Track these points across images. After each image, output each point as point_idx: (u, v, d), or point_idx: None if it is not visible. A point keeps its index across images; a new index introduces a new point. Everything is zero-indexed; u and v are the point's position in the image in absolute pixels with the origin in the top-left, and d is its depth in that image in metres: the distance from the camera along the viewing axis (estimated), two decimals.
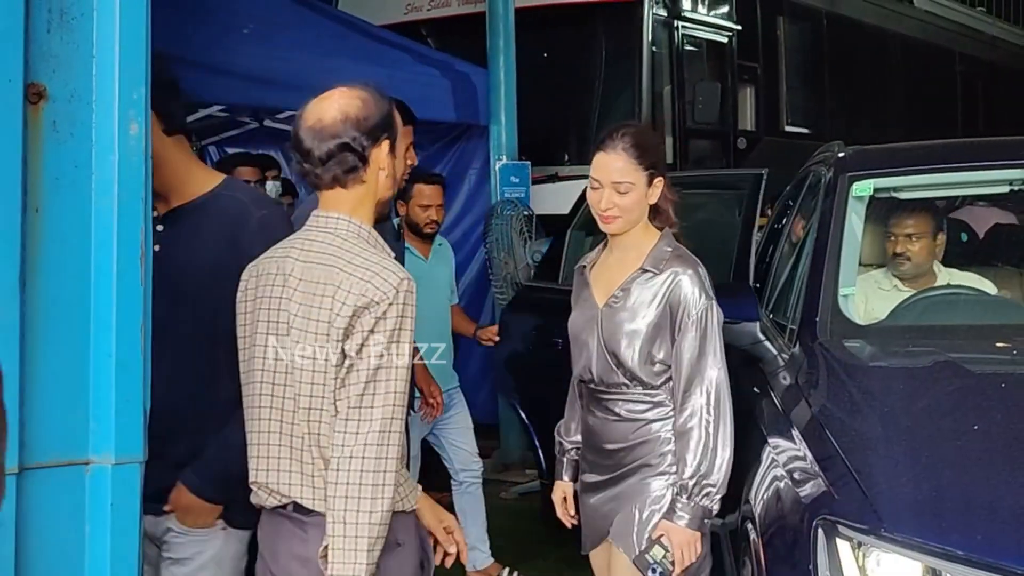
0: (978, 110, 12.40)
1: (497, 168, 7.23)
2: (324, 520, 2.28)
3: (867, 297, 3.74)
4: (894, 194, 3.96)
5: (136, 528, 2.12)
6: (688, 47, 8.43)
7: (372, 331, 2.26)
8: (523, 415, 5.45)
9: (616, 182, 2.93)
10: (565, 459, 3.27)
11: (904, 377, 3.21)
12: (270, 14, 6.63)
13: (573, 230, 5.65)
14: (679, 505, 2.87)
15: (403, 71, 6.78)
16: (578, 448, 3.22)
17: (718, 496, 2.89)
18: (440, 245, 5.18)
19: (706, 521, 2.90)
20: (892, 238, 3.89)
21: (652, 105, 8.04)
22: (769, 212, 6.63)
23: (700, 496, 2.86)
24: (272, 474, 2.41)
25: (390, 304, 2.27)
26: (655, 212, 3.04)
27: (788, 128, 9.42)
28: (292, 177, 6.84)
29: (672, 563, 2.84)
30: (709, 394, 2.90)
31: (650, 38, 8.03)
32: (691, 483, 2.86)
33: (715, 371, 2.91)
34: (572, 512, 3.24)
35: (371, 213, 2.45)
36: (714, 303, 2.95)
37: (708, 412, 2.89)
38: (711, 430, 2.88)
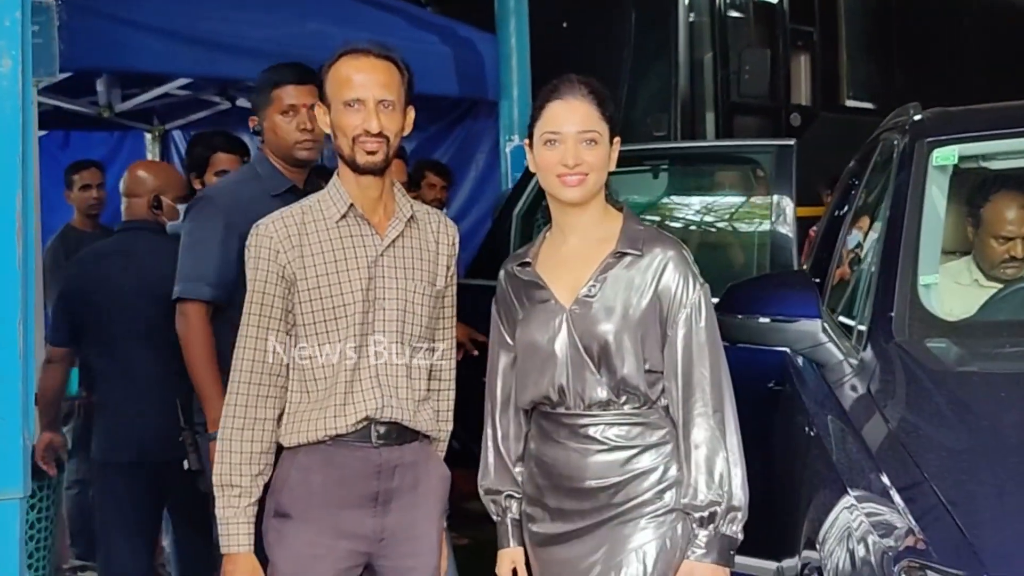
0: None
1: (508, 151, 7.10)
2: None
3: (942, 293, 3.54)
4: (983, 163, 3.76)
5: (15, 570, 1.98)
6: (732, 10, 8.27)
7: None
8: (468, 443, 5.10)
9: (583, 131, 2.83)
10: (508, 520, 3.01)
11: (1006, 385, 2.99)
12: None
13: (521, 212, 5.40)
14: (701, 538, 2.73)
15: (396, 37, 6.59)
16: (517, 499, 3.00)
17: (743, 521, 2.75)
18: None
19: (731, 553, 2.76)
20: (999, 240, 3.65)
21: (691, 76, 7.89)
22: (827, 199, 6.42)
23: (724, 523, 2.73)
24: None
25: None
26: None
27: (849, 103, 9.20)
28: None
29: None
30: (718, 400, 2.77)
31: None
32: (712, 510, 2.72)
33: (718, 372, 2.78)
34: None
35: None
36: (707, 289, 2.83)
37: (718, 422, 2.76)
38: (724, 443, 2.75)
